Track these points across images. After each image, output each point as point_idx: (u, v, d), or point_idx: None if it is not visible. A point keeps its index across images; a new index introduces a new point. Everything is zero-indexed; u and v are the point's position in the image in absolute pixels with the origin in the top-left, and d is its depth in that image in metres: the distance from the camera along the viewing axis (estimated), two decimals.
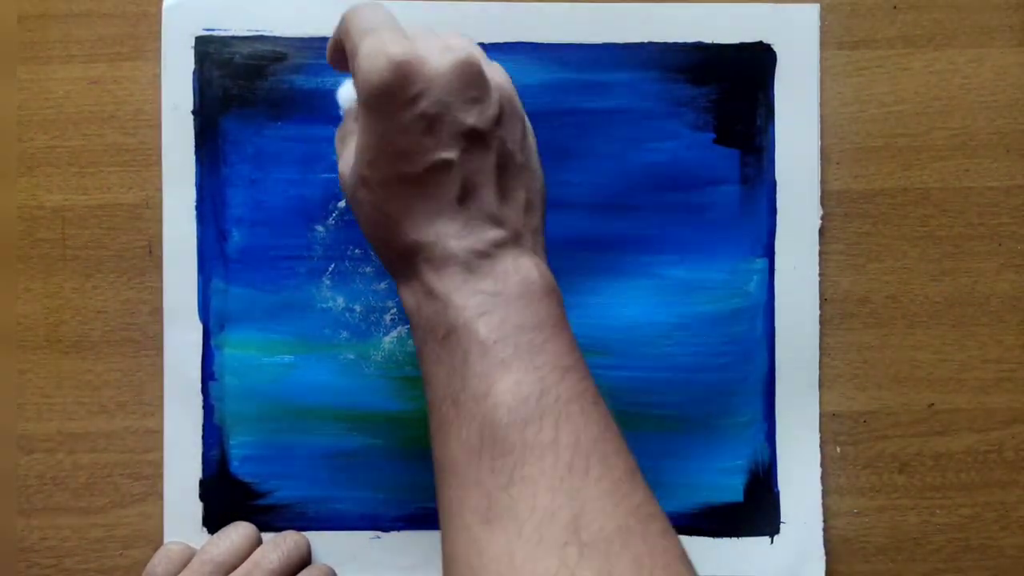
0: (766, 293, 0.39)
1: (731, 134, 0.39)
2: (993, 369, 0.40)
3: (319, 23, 0.39)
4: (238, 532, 0.37)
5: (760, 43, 0.39)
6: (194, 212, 0.39)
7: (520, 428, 0.28)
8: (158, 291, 0.39)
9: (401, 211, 0.31)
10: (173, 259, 0.39)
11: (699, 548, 0.39)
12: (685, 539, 0.39)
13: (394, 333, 0.39)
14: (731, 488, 0.39)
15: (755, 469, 0.39)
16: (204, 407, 0.39)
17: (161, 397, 0.39)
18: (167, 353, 0.39)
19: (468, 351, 0.29)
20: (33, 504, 0.39)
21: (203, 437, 0.39)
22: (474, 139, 0.30)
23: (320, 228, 0.39)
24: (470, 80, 0.30)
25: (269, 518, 0.39)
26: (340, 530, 0.39)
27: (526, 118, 0.33)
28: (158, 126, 0.39)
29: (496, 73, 0.32)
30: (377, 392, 0.39)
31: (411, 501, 0.39)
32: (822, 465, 0.39)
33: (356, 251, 0.39)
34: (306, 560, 0.38)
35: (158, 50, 0.39)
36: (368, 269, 0.39)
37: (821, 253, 0.40)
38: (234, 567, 0.36)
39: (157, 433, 0.39)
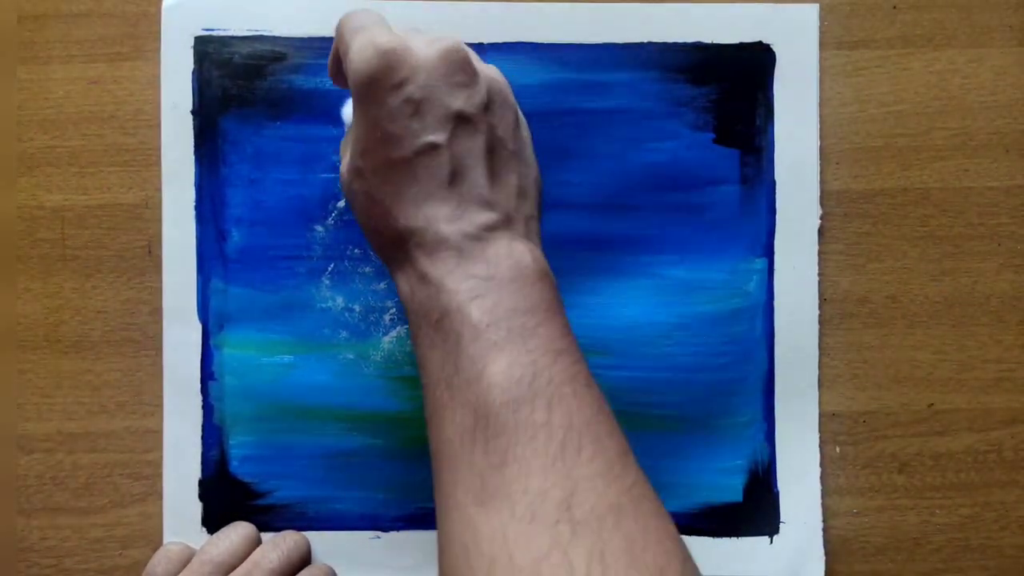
0: (766, 293, 0.39)
1: (731, 134, 0.39)
2: (993, 369, 0.40)
3: (319, 23, 0.39)
4: (238, 532, 0.37)
5: (760, 43, 0.39)
6: (193, 212, 0.39)
7: (513, 409, 0.28)
8: (158, 291, 0.39)
9: (392, 197, 0.31)
10: (173, 259, 0.39)
11: (699, 548, 0.39)
12: (685, 539, 0.39)
13: (393, 333, 0.39)
14: (731, 488, 0.39)
15: (755, 469, 0.39)
16: (203, 407, 0.39)
17: (161, 397, 0.39)
18: (167, 353, 0.39)
19: (461, 334, 0.29)
20: (33, 504, 0.39)
21: (203, 437, 0.39)
22: (462, 123, 0.31)
23: (319, 228, 0.39)
24: (456, 65, 0.31)
25: (269, 518, 0.39)
26: (340, 530, 0.39)
27: (521, 113, 0.34)
28: (158, 126, 0.39)
29: (488, 68, 0.33)
30: (377, 392, 0.39)
31: (411, 501, 0.39)
32: (822, 465, 0.39)
33: (356, 251, 0.39)
34: (306, 560, 0.38)
35: (158, 50, 0.39)
36: (368, 269, 0.39)
37: (820, 253, 0.40)
38: (234, 567, 0.36)
39: (157, 433, 0.39)
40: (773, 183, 0.39)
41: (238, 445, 0.39)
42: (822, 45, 0.40)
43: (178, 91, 0.39)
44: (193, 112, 0.39)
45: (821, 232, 0.40)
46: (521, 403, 0.28)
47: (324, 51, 0.38)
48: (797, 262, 0.39)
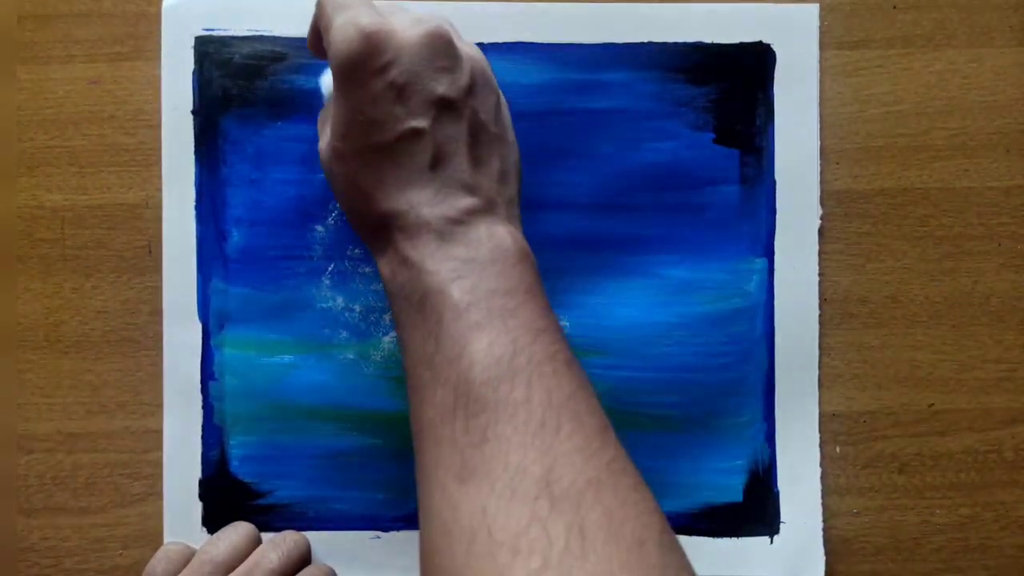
0: (766, 293, 0.39)
1: (731, 134, 0.39)
2: (993, 369, 0.40)
3: None
4: (238, 532, 0.37)
5: (760, 43, 0.39)
6: (194, 212, 0.39)
7: (493, 387, 0.28)
8: (158, 291, 0.39)
9: (374, 181, 0.31)
10: (173, 259, 0.39)
11: (699, 548, 0.39)
12: (685, 539, 0.39)
13: (393, 333, 0.39)
14: (731, 488, 0.39)
15: (755, 469, 0.39)
16: (204, 407, 0.39)
17: (161, 397, 0.39)
18: (167, 353, 0.39)
19: (442, 315, 0.29)
20: (33, 504, 0.39)
21: (203, 437, 0.39)
22: (445, 108, 0.31)
23: (320, 228, 0.39)
24: (440, 50, 0.31)
25: (269, 518, 0.39)
26: (340, 530, 0.39)
27: (501, 93, 0.34)
28: (158, 126, 0.39)
29: (468, 48, 0.33)
30: (377, 392, 0.39)
31: (411, 501, 0.39)
32: (822, 465, 0.39)
33: (356, 251, 0.39)
34: (306, 560, 0.38)
35: (158, 50, 0.39)
36: (368, 269, 0.39)
37: (821, 253, 0.40)
38: (234, 567, 0.36)
39: (157, 433, 0.39)
40: (773, 183, 0.39)
41: (238, 445, 0.39)
42: (822, 45, 0.40)
43: (178, 91, 0.39)
44: (193, 112, 0.39)
45: (821, 232, 0.40)
46: (501, 381, 0.28)
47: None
48: (797, 262, 0.39)
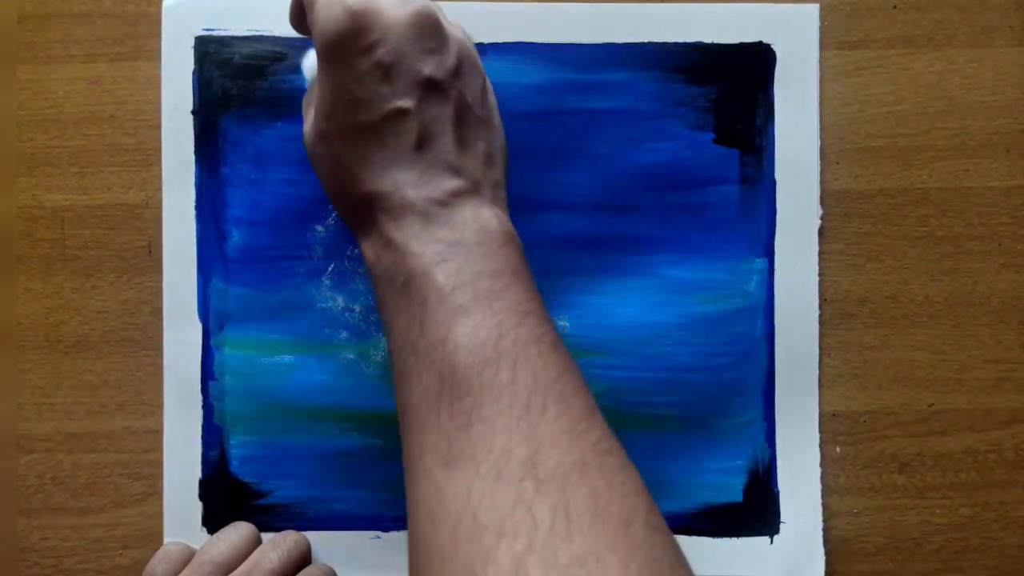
0: (766, 293, 0.39)
1: (731, 134, 0.39)
2: (993, 369, 0.40)
3: None
4: (238, 532, 0.37)
5: (760, 43, 0.39)
6: (194, 212, 0.39)
7: (478, 370, 0.28)
8: (158, 291, 0.39)
9: (359, 161, 0.31)
10: (173, 259, 0.39)
11: (699, 548, 0.39)
12: (685, 539, 0.39)
13: None
14: (731, 488, 0.39)
15: (755, 469, 0.39)
16: (204, 407, 0.39)
17: (161, 397, 0.39)
18: (167, 353, 0.39)
19: (426, 298, 0.29)
20: (33, 504, 0.39)
21: (203, 437, 0.39)
22: (431, 88, 0.31)
23: (320, 228, 0.39)
24: (426, 30, 0.30)
25: (269, 518, 0.39)
26: (340, 530, 0.39)
27: (487, 77, 0.34)
28: (158, 126, 0.39)
29: (455, 30, 0.32)
30: (377, 392, 0.39)
31: None
32: (822, 465, 0.39)
33: (356, 251, 0.39)
34: (306, 560, 0.38)
35: (158, 50, 0.39)
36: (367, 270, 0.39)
37: (821, 253, 0.40)
38: (234, 567, 0.36)
39: (157, 433, 0.39)
40: (773, 183, 0.39)
41: (238, 445, 0.39)
42: (822, 45, 0.40)
43: (178, 91, 0.39)
44: (194, 112, 0.39)
45: (821, 232, 0.40)
46: (486, 364, 0.28)
47: None
48: (797, 262, 0.39)
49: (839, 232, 0.40)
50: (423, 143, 0.31)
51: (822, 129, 0.40)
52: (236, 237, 0.39)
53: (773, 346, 0.39)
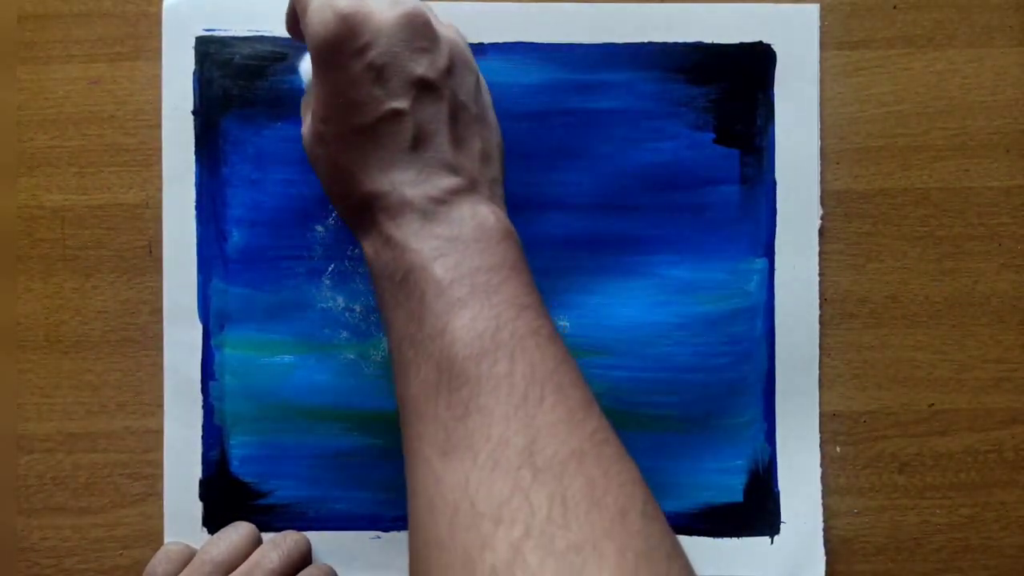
0: (766, 293, 0.39)
1: (731, 134, 0.39)
2: (993, 369, 0.40)
3: None
4: (238, 532, 0.37)
5: (760, 43, 0.39)
6: (194, 212, 0.39)
7: (476, 362, 0.28)
8: (158, 291, 0.39)
9: (356, 162, 0.31)
10: (173, 259, 0.39)
11: (699, 548, 0.39)
12: (685, 539, 0.39)
13: None
14: (731, 488, 0.39)
15: (755, 469, 0.39)
16: (204, 407, 0.39)
17: (161, 397, 0.39)
18: (167, 353, 0.39)
19: (425, 292, 0.30)
20: (33, 504, 0.39)
21: (203, 437, 0.39)
22: (424, 88, 0.31)
23: (320, 228, 0.39)
24: (417, 30, 0.31)
25: (269, 518, 0.39)
26: (340, 530, 0.39)
27: (480, 75, 0.34)
28: (158, 126, 0.39)
29: (446, 29, 0.33)
30: (377, 392, 0.39)
31: None
32: (822, 465, 0.39)
33: (356, 251, 0.39)
34: (306, 560, 0.38)
35: (158, 50, 0.39)
36: (368, 269, 0.39)
37: (821, 253, 0.40)
38: (234, 567, 0.36)
39: (157, 433, 0.39)
40: (773, 183, 0.39)
41: (238, 445, 0.39)
42: (822, 45, 0.40)
43: (179, 91, 0.39)
44: (194, 112, 0.39)
45: (821, 232, 0.40)
46: (484, 355, 0.28)
47: None
48: (797, 262, 0.39)
49: (839, 232, 0.40)
50: (419, 143, 0.31)
51: (822, 129, 0.40)
52: (236, 237, 0.39)
53: (773, 346, 0.39)
